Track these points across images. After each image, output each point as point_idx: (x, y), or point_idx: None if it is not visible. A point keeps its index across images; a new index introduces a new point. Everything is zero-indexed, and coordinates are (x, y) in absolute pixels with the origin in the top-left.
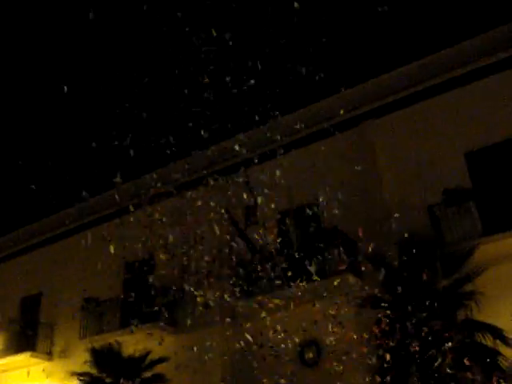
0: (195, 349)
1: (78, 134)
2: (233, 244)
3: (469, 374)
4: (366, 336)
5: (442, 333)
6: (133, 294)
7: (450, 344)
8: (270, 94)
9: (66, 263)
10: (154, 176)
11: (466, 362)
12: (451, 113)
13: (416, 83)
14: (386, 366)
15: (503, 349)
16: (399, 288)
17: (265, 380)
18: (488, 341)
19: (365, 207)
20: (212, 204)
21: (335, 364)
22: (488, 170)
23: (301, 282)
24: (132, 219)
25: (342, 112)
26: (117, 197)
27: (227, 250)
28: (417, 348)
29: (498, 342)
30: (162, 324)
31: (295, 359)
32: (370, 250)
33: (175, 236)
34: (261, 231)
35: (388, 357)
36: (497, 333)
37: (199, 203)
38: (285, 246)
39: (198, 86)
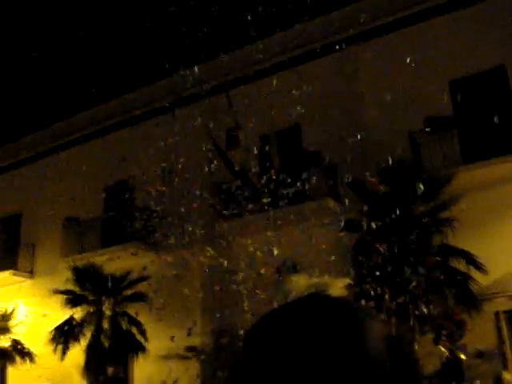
0: (175, 268)
1: (62, 54)
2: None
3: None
4: (343, 258)
5: (417, 256)
6: (113, 214)
7: (424, 267)
8: (253, 16)
9: (45, 183)
10: (137, 95)
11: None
12: (437, 40)
13: (403, 8)
14: (362, 287)
15: (475, 273)
16: (378, 212)
17: (245, 300)
18: (461, 265)
19: (346, 132)
20: (194, 124)
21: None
22: (471, 99)
23: (280, 205)
24: (113, 139)
25: (327, 35)
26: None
27: (208, 171)
28: (391, 269)
29: (470, 267)
30: (141, 244)
31: (273, 280)
32: (351, 175)
33: (157, 157)
34: (242, 154)
35: (364, 277)
36: (470, 258)
37: (182, 124)
38: (266, 169)
39: (183, 5)
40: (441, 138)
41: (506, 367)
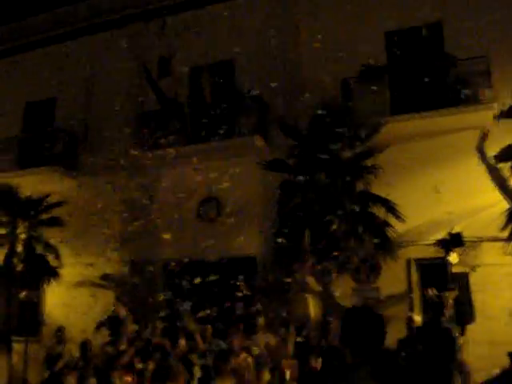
0: (95, 195)
1: None
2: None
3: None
4: (267, 197)
5: (340, 200)
6: (32, 135)
7: (346, 212)
8: None
9: None
10: (71, 10)
11: (359, 229)
12: None
13: None
14: (283, 227)
15: (393, 221)
16: (305, 154)
17: (164, 232)
18: (381, 213)
19: (280, 74)
20: (126, 48)
21: (233, 220)
22: (405, 52)
23: (208, 139)
24: (42, 55)
25: None
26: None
27: (136, 98)
28: (314, 212)
29: (389, 214)
30: (61, 168)
31: (194, 213)
32: (282, 115)
33: (83, 79)
34: (173, 84)
35: (287, 217)
36: (389, 206)
37: (110, 47)
38: (196, 102)
39: None
40: (373, 86)
41: (412, 310)
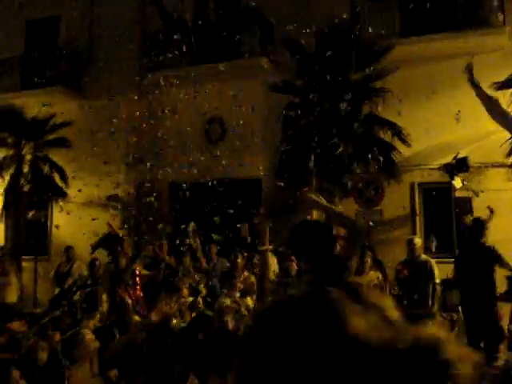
0: (101, 116)
1: None
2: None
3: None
4: (273, 119)
5: (346, 123)
6: (35, 55)
7: (352, 135)
8: None
9: None
10: None
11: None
12: None
13: None
14: (288, 147)
15: (399, 145)
16: (312, 76)
17: (169, 153)
18: (387, 136)
19: None
20: None
21: (238, 142)
22: None
23: (213, 60)
24: None
25: None
26: None
27: (141, 18)
28: (319, 134)
29: (395, 138)
30: (66, 88)
31: (200, 134)
32: (287, 35)
33: None
34: (178, 3)
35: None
36: (396, 130)
37: None
38: (201, 20)
39: None
40: (382, 8)
41: (415, 233)
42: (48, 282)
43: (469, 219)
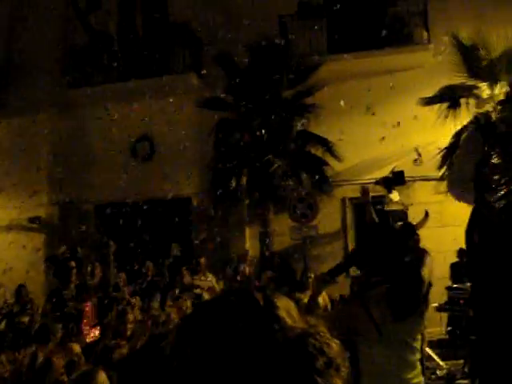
0: (20, 135)
1: None
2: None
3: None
4: (203, 137)
5: (279, 140)
6: None
7: (285, 152)
8: None
9: None
10: None
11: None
12: None
13: None
14: (219, 164)
15: (331, 159)
16: (243, 91)
17: (94, 173)
18: (318, 152)
19: (217, 6)
20: None
21: (168, 160)
22: None
23: (140, 76)
24: None
25: None
26: None
27: (63, 32)
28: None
29: (327, 153)
30: None
31: (127, 153)
32: (219, 50)
33: (6, 9)
34: (102, 17)
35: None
36: (327, 145)
37: None
38: (128, 36)
39: None
40: (311, 24)
41: (347, 247)
42: None
43: (397, 225)
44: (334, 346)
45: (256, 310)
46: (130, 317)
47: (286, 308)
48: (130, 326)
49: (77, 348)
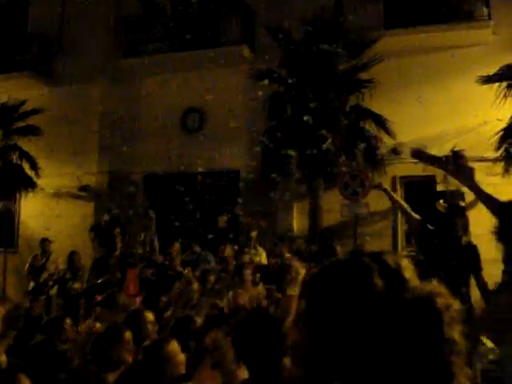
0: (73, 103)
1: None
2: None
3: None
4: (255, 109)
5: (332, 115)
6: (3, 38)
7: (339, 127)
8: None
9: None
10: None
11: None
12: None
13: None
14: (271, 141)
15: (384, 136)
16: (297, 64)
17: (143, 144)
18: (372, 128)
19: None
20: None
21: (218, 133)
22: None
23: (193, 48)
24: None
25: None
26: None
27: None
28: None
29: (381, 130)
30: (36, 74)
31: (177, 124)
32: (271, 22)
33: None
34: None
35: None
36: (381, 122)
37: None
38: (180, 5)
39: None
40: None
41: (396, 227)
42: (15, 275)
43: (441, 205)
44: (454, 304)
45: (388, 271)
46: (195, 286)
47: (408, 269)
48: (194, 295)
49: (150, 316)
